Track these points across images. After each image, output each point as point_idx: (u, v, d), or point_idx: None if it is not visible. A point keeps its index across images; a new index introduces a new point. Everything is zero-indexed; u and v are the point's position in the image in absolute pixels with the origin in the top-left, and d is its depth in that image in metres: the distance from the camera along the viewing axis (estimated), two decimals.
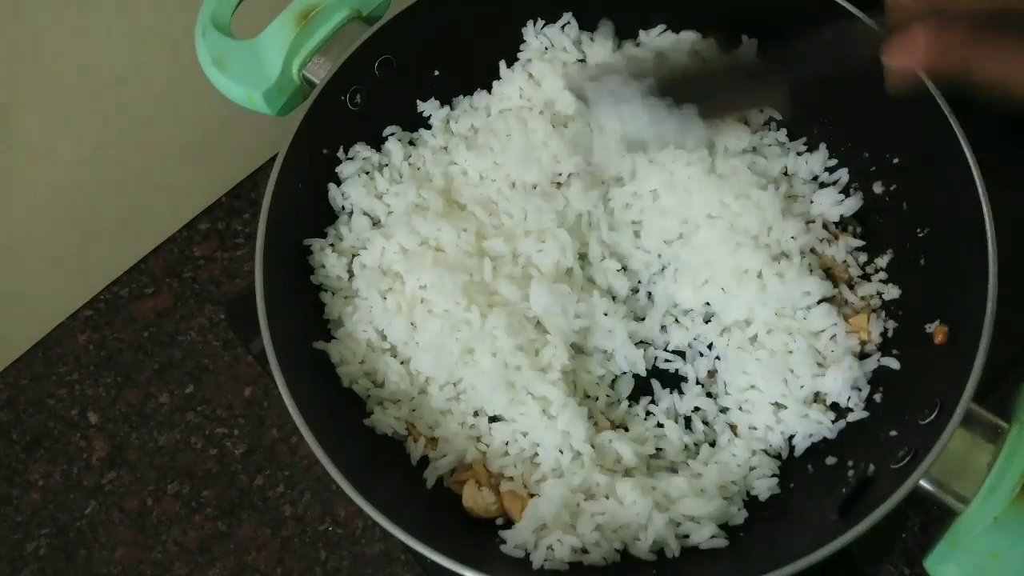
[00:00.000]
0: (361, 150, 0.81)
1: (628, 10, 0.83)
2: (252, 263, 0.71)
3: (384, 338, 0.75)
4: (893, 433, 0.68)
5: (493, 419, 0.73)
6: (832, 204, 0.79)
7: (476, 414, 0.73)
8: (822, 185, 0.81)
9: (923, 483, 0.61)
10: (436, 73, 0.85)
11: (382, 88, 0.80)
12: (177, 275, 0.95)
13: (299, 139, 0.74)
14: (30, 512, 0.86)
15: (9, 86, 0.80)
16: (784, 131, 0.83)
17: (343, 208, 0.80)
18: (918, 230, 0.75)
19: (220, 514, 0.85)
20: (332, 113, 0.78)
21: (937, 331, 0.69)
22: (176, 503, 0.85)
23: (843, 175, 0.81)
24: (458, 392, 0.73)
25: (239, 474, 0.86)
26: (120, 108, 0.89)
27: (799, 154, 0.82)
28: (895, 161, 0.78)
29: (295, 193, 0.75)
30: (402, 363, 0.74)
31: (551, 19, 0.85)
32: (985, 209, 0.66)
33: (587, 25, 0.85)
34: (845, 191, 0.80)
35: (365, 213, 0.79)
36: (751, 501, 0.71)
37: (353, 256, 0.78)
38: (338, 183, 0.80)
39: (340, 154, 0.80)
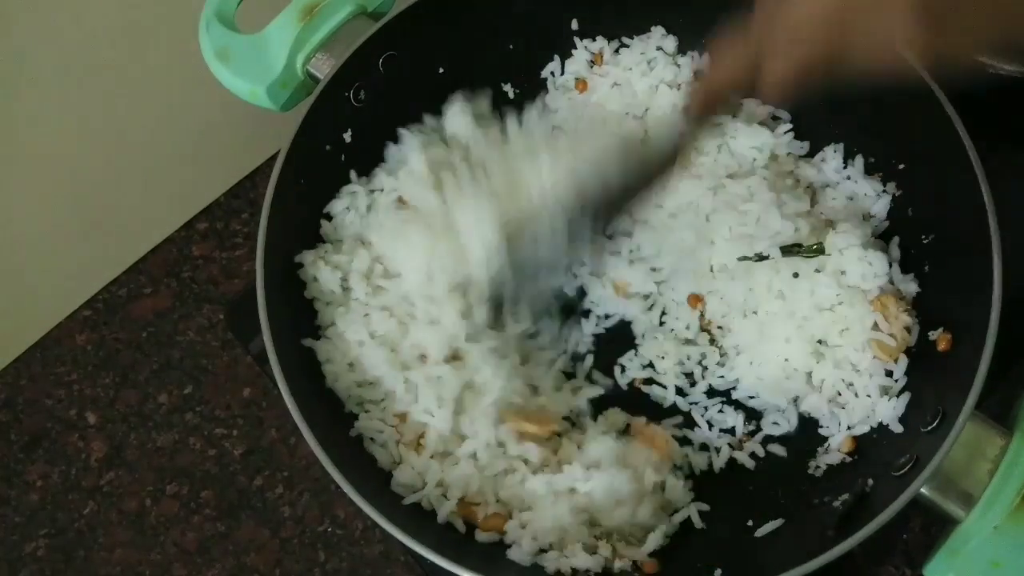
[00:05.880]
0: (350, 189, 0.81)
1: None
2: (251, 263, 0.70)
3: (373, 336, 0.75)
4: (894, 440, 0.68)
5: None
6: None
7: None
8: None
9: (924, 491, 0.61)
10: (441, 71, 0.84)
11: (386, 85, 0.80)
12: (176, 275, 0.95)
13: (302, 135, 0.74)
14: (28, 513, 0.85)
15: (9, 86, 0.80)
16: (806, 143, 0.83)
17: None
18: (923, 237, 0.74)
19: (219, 515, 0.84)
20: (336, 109, 0.78)
21: (940, 339, 0.69)
22: (175, 504, 0.85)
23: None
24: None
25: (238, 475, 0.86)
26: (119, 108, 0.88)
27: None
28: (900, 167, 0.77)
29: (297, 189, 0.75)
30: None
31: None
32: (990, 216, 0.65)
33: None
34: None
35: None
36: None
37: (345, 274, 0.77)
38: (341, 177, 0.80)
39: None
